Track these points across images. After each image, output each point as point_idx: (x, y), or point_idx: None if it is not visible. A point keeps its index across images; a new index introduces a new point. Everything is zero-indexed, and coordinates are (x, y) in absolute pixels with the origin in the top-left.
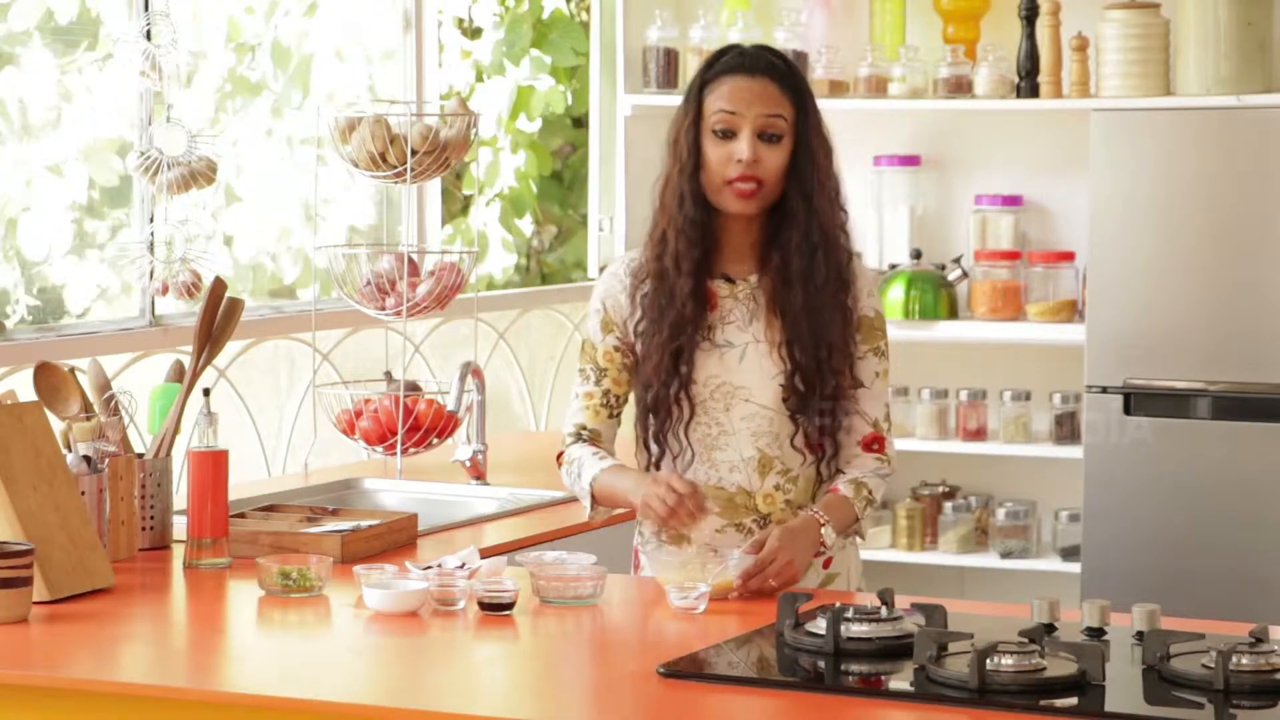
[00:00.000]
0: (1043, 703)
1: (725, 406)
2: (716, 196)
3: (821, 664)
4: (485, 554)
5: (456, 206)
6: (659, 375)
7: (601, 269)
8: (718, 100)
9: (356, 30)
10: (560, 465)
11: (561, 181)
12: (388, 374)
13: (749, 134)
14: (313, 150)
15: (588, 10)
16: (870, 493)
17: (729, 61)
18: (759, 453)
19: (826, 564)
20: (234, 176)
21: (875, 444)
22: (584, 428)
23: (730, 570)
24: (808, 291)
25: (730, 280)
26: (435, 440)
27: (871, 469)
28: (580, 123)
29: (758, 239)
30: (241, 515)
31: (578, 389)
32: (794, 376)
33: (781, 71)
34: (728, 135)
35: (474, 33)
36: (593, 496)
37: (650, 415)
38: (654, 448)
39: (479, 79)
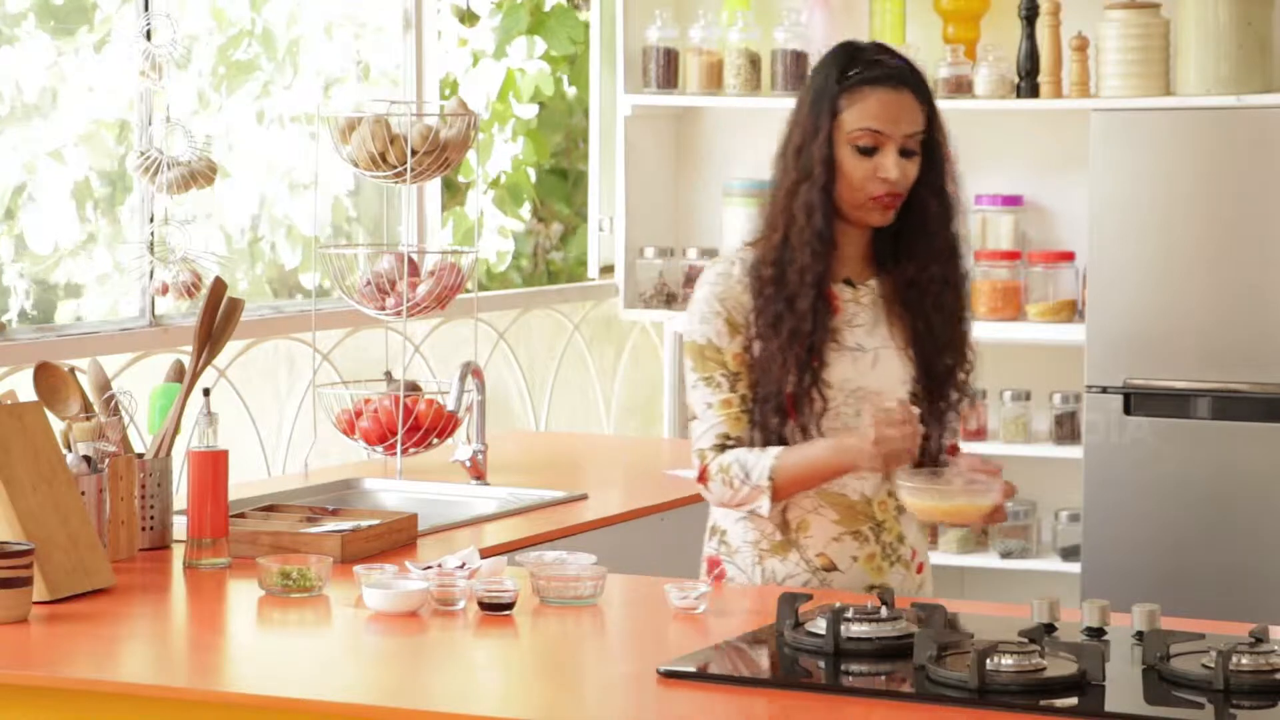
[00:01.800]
0: (1043, 703)
1: (856, 411)
2: (856, 211)
3: (821, 664)
4: (485, 554)
5: (452, 196)
6: (793, 370)
7: (603, 269)
8: (862, 116)
9: (348, 10)
10: (706, 481)
11: (567, 178)
12: (388, 374)
13: (893, 151)
14: (304, 127)
15: (585, 7)
16: None
17: (871, 73)
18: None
19: (919, 569)
20: (225, 153)
21: (954, 454)
22: (728, 437)
23: (983, 496)
24: (941, 297)
25: (852, 285)
26: (435, 440)
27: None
28: (586, 117)
29: (871, 243)
30: (241, 515)
31: (709, 398)
32: (922, 381)
33: (919, 83)
34: (869, 152)
35: (471, 18)
36: (774, 489)
37: (788, 412)
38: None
39: (475, 64)
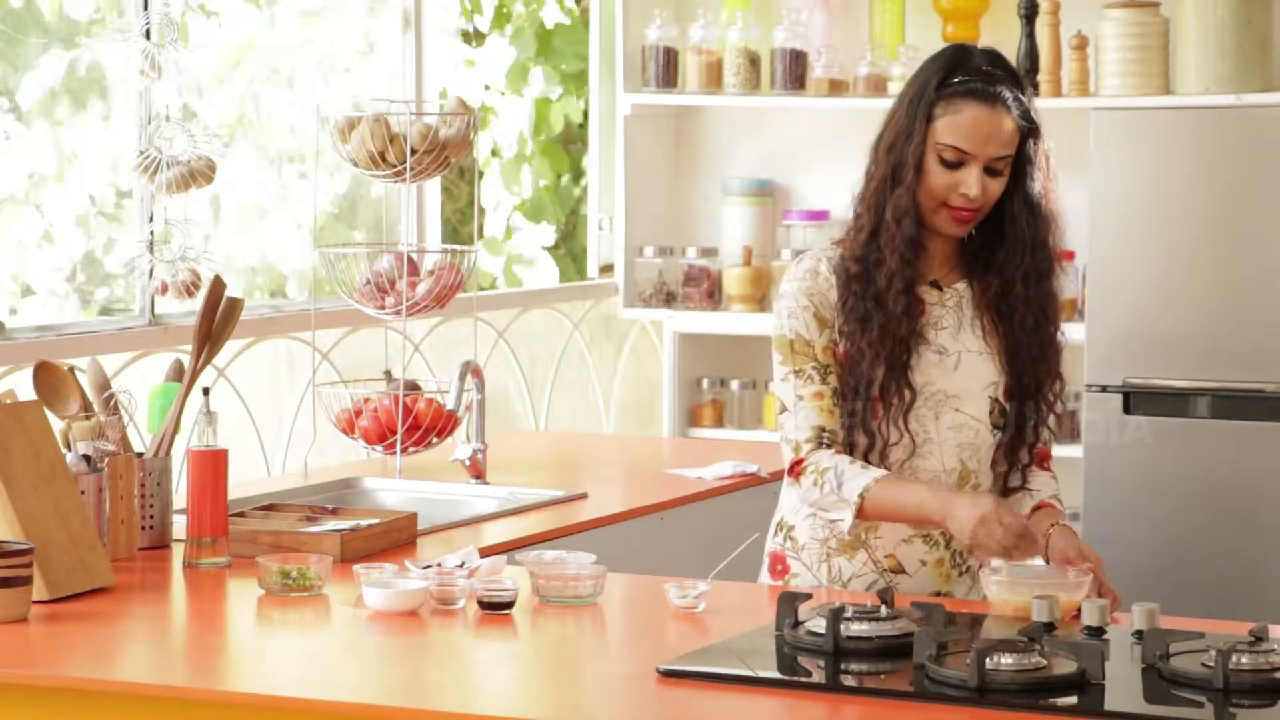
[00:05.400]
0: (1042, 702)
1: (935, 415)
2: (931, 217)
3: (821, 664)
4: (485, 553)
5: (462, 221)
6: (882, 365)
7: (602, 268)
8: (951, 131)
9: (354, 38)
10: (798, 475)
11: (560, 177)
12: (387, 373)
13: (977, 169)
14: (303, 165)
15: (585, 11)
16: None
17: (969, 85)
18: (961, 465)
19: None
20: (229, 195)
21: (1046, 460)
22: (823, 430)
23: (1074, 591)
24: (1027, 315)
25: (938, 287)
26: (435, 439)
27: (1053, 491)
28: (581, 121)
29: (960, 247)
30: (241, 514)
31: (800, 390)
32: (1009, 390)
33: (1019, 105)
34: (953, 165)
35: (478, 38)
36: (860, 508)
37: (878, 404)
38: (892, 432)
39: (498, 93)
